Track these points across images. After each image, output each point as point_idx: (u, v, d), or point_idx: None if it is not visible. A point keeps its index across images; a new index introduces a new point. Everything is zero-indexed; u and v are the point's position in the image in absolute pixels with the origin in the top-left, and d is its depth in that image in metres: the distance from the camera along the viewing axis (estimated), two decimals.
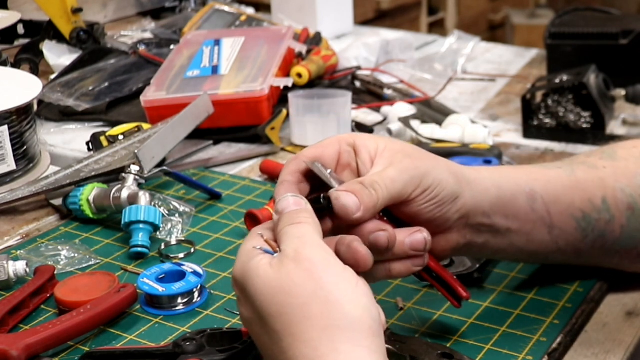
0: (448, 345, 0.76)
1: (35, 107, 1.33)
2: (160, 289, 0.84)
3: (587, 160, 0.83)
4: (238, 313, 0.68)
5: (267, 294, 0.61)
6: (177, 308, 0.84)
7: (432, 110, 1.34)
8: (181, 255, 0.95)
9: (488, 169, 0.79)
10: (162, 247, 0.96)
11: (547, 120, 1.26)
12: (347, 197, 0.69)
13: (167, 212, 1.01)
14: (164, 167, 1.09)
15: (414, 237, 0.71)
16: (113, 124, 1.30)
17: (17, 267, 0.88)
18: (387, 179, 0.70)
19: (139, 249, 0.94)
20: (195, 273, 0.86)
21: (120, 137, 1.16)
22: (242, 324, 0.67)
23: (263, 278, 0.62)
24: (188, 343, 0.74)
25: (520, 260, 0.87)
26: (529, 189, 0.78)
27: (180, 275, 0.86)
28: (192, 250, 0.96)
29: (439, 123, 1.27)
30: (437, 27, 3.76)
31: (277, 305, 0.60)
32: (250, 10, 1.87)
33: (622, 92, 1.30)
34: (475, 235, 0.77)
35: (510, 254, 0.81)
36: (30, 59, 1.57)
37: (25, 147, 1.12)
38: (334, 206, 0.69)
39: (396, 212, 0.73)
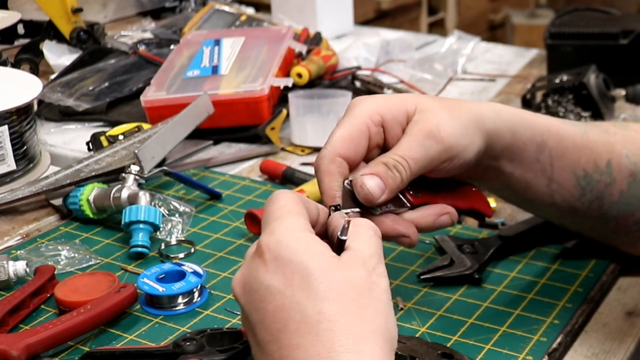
0: (448, 345, 0.76)
1: (35, 107, 1.33)
2: (160, 289, 0.84)
3: (601, 125, 0.85)
4: (239, 313, 0.67)
5: (333, 280, 0.60)
6: (177, 308, 0.84)
7: None
8: (181, 255, 0.95)
9: (508, 110, 0.79)
10: (162, 247, 0.96)
11: None
12: (370, 182, 0.71)
13: (167, 212, 1.01)
14: (164, 167, 1.09)
15: (442, 220, 0.76)
16: (113, 124, 1.30)
17: (17, 267, 0.88)
18: (411, 160, 0.72)
19: (139, 249, 0.94)
20: (195, 273, 0.86)
21: (120, 137, 1.16)
22: (254, 290, 0.62)
23: (333, 265, 0.61)
24: (188, 343, 0.74)
25: (516, 204, 0.89)
26: (541, 139, 0.79)
27: (180, 275, 0.86)
28: (192, 250, 0.96)
29: None
30: (437, 27, 3.76)
31: (337, 292, 0.60)
32: (250, 10, 1.87)
33: (622, 92, 1.30)
34: (481, 172, 0.79)
35: (507, 195, 0.85)
36: (30, 59, 1.57)
37: (25, 147, 1.12)
38: (357, 194, 0.72)
39: None
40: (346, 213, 0.71)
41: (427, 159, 0.73)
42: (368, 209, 0.73)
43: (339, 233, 0.64)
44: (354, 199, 0.73)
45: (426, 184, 0.77)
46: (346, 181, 0.73)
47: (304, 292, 0.60)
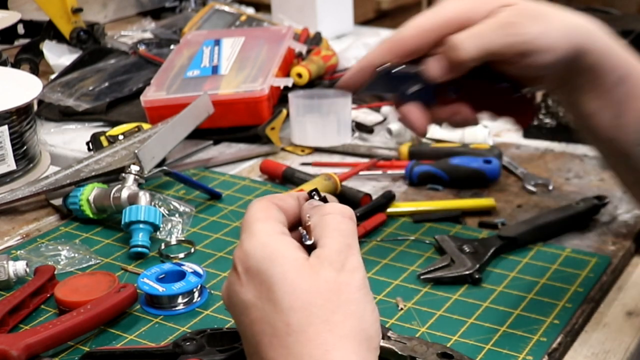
0: (448, 345, 0.76)
1: (35, 107, 1.33)
2: (160, 289, 0.84)
3: None
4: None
5: (297, 288, 0.59)
6: (177, 308, 0.84)
7: None
8: (181, 255, 0.95)
9: (602, 32, 0.78)
10: (162, 247, 0.96)
11: (547, 120, 1.26)
12: (432, 64, 0.74)
13: (167, 212, 1.01)
14: (164, 167, 1.09)
15: (455, 118, 0.78)
16: (113, 124, 1.30)
17: (17, 267, 0.88)
18: (478, 40, 0.72)
19: (139, 249, 0.94)
20: (195, 273, 0.86)
21: (120, 137, 1.16)
22: (234, 304, 0.62)
23: (297, 272, 0.59)
24: (188, 343, 0.74)
25: (574, 127, 0.86)
26: (625, 73, 0.76)
27: (180, 275, 0.86)
28: (192, 250, 0.96)
29: None
30: None
31: (303, 301, 0.59)
32: (250, 10, 1.87)
33: None
34: (556, 84, 0.78)
35: (571, 115, 0.82)
36: (30, 59, 1.57)
37: (25, 147, 1.12)
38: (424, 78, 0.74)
39: None
40: (314, 197, 0.67)
41: (497, 45, 0.72)
42: (399, 91, 0.73)
43: (303, 239, 0.63)
44: (388, 83, 0.72)
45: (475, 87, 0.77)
46: (382, 66, 0.73)
47: (271, 304, 0.59)
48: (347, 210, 0.64)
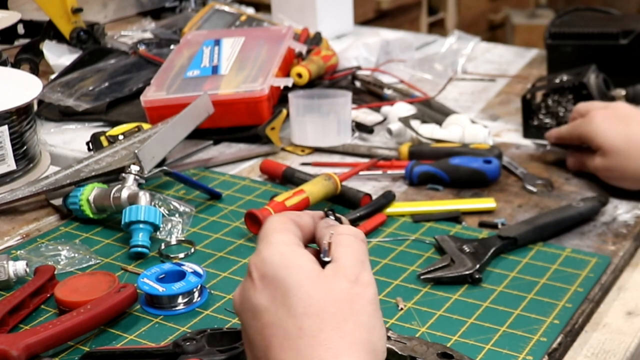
0: (448, 345, 0.76)
1: (35, 107, 1.33)
2: (160, 289, 0.84)
3: None
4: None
5: (313, 295, 0.61)
6: (177, 308, 0.84)
7: (432, 110, 1.34)
8: (181, 255, 0.95)
9: None
10: (162, 247, 0.96)
11: (547, 120, 1.26)
12: (569, 159, 1.15)
13: (167, 212, 1.01)
14: (164, 167, 1.09)
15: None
16: (113, 124, 1.30)
17: (17, 267, 0.88)
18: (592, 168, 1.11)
19: (139, 249, 0.94)
20: (195, 273, 0.86)
21: (120, 137, 1.16)
22: (246, 309, 0.64)
23: (312, 280, 0.62)
24: (188, 343, 0.74)
25: None
26: None
27: (180, 275, 0.86)
28: (192, 250, 0.96)
29: (439, 123, 1.27)
30: (437, 27, 3.76)
31: (316, 307, 0.61)
32: (250, 10, 1.87)
33: (622, 92, 1.30)
34: None
35: None
36: (30, 59, 1.57)
37: (25, 147, 1.13)
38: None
39: None
40: (330, 216, 0.71)
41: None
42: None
43: (322, 255, 0.65)
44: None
45: None
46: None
47: (285, 308, 0.61)
48: (360, 232, 0.68)
